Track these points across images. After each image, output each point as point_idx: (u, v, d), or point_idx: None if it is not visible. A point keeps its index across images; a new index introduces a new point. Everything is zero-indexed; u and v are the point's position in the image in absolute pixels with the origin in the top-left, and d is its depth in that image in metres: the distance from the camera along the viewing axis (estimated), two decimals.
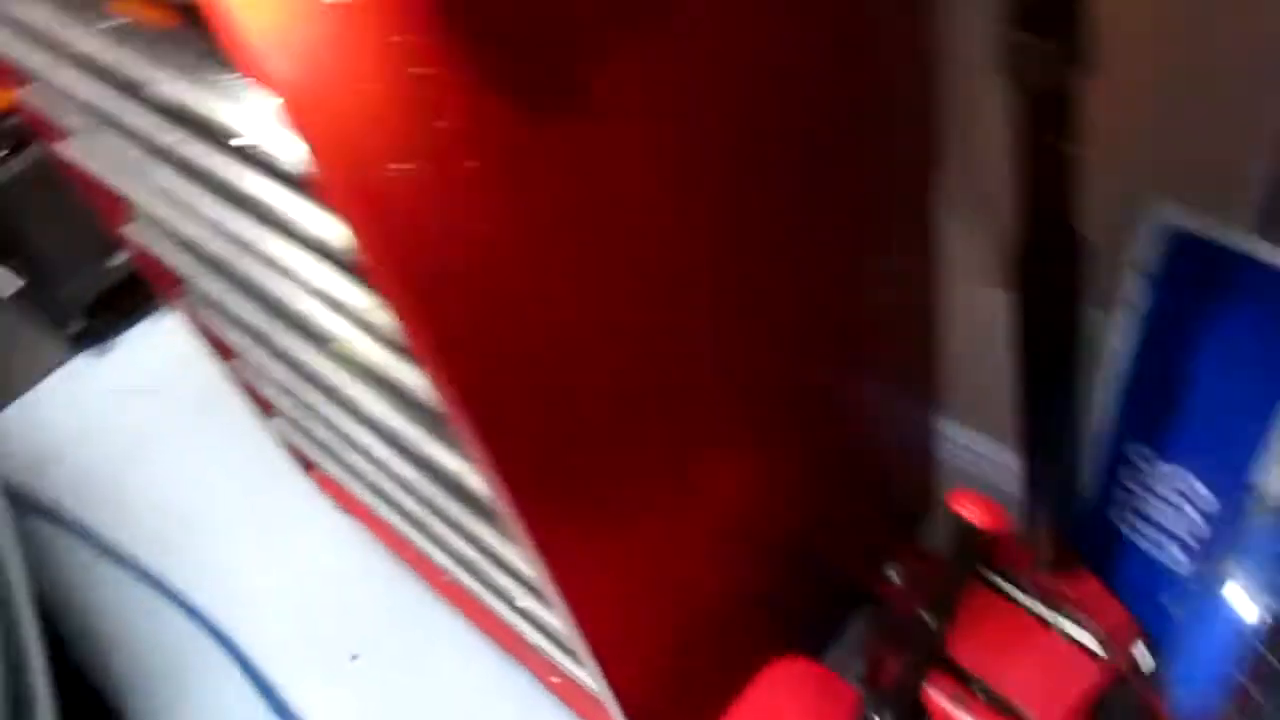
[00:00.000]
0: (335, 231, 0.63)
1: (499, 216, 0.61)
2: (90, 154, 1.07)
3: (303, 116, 0.51)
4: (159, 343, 2.14)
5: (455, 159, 0.57)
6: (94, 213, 2.05)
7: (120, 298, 2.11)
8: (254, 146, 0.64)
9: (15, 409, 2.11)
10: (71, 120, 1.02)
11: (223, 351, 1.35)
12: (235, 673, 1.56)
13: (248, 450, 1.86)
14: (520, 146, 0.60)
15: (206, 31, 0.70)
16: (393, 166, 0.54)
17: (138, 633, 1.67)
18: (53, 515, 1.88)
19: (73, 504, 1.88)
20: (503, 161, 0.60)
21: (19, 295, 2.14)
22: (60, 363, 2.15)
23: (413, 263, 0.59)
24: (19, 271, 2.13)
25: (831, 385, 1.07)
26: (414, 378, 0.74)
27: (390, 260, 0.58)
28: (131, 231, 1.22)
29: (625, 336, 0.77)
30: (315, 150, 0.53)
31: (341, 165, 0.53)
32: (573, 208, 0.66)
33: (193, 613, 1.67)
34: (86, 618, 1.71)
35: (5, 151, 1.90)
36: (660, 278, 0.76)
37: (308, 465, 1.57)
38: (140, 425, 2.00)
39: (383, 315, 0.67)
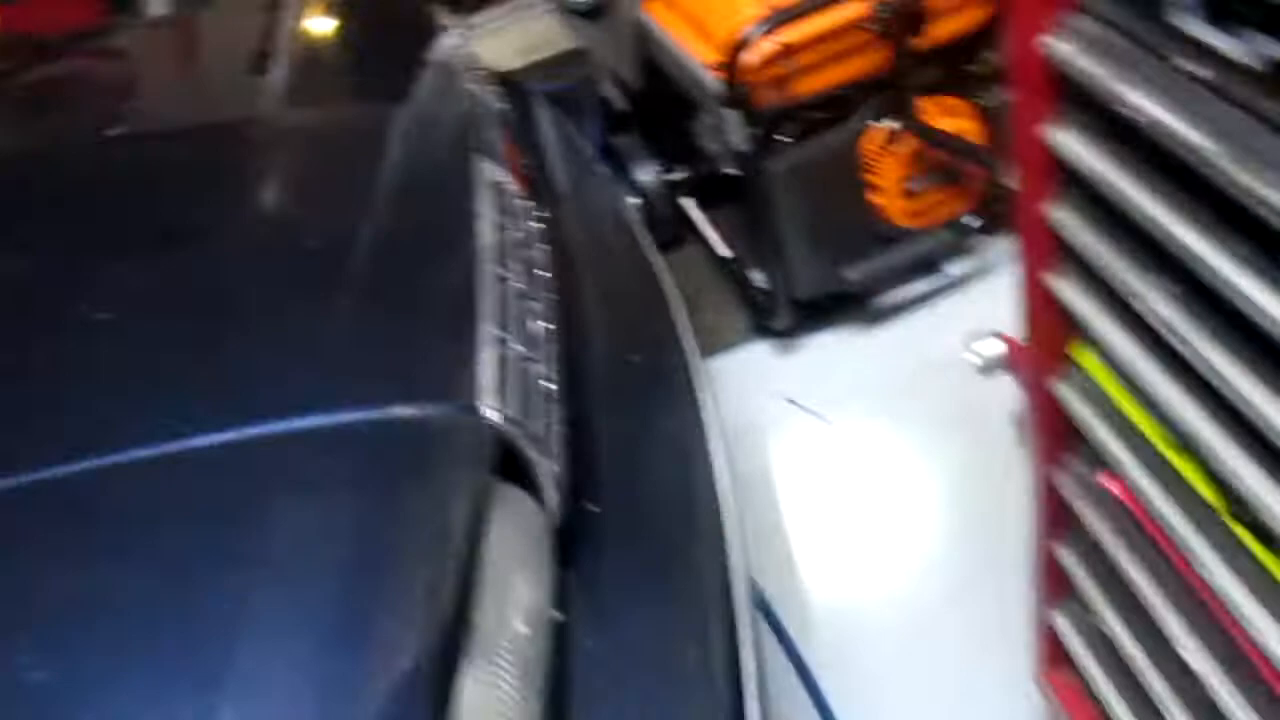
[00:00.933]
0: None
1: None
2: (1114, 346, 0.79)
3: None
4: (842, 362, 1.95)
5: None
6: (849, 223, 1.88)
7: (828, 306, 1.95)
8: None
9: None
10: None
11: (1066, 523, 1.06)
12: None
13: (924, 553, 1.60)
14: None
15: None
16: None
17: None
18: None
19: None
20: None
21: (729, 261, 2.07)
22: (741, 342, 2.04)
23: None
24: (738, 241, 2.05)
25: None
26: None
27: None
28: (1058, 385, 0.95)
29: None
30: None
31: None
32: None
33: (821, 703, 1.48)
34: None
35: (791, 139, 1.78)
36: None
37: (1052, 659, 1.26)
38: (802, 447, 1.83)
39: None
